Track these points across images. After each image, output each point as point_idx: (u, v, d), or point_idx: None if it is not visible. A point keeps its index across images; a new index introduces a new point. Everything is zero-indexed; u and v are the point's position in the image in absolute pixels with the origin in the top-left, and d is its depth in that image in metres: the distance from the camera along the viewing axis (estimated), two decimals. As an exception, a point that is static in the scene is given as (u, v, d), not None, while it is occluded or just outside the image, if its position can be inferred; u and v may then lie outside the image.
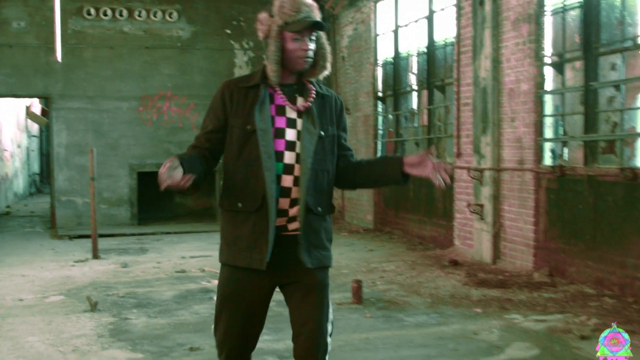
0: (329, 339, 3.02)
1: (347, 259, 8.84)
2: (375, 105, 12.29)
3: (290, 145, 2.91)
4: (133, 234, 11.96)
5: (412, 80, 11.28)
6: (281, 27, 2.87)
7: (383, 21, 12.05)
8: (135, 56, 13.27)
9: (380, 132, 12.30)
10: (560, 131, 7.60)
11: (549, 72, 7.67)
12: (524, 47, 7.80)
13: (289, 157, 2.90)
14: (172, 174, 2.64)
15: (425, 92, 10.73)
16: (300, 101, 2.98)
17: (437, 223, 9.96)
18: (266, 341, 4.99)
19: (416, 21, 10.84)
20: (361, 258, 8.86)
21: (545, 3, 7.62)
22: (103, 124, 13.12)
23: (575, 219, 7.08)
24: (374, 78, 12.22)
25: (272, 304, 3.08)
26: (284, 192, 2.88)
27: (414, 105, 11.28)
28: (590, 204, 6.87)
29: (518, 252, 7.92)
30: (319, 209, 2.97)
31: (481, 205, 8.44)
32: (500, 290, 6.81)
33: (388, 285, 7.20)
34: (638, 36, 6.66)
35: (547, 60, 7.62)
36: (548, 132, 7.68)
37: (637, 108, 6.78)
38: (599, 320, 5.55)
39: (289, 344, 3.09)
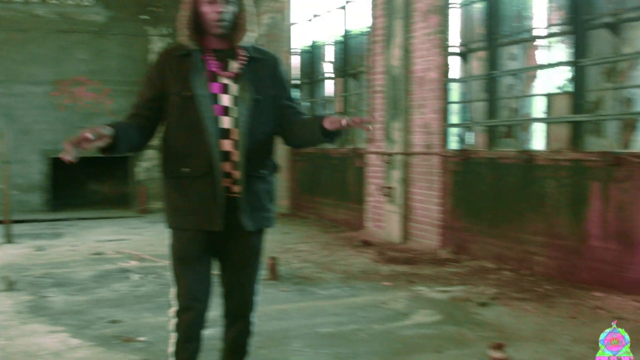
0: (257, 299, 3.26)
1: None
2: (291, 93, 12.51)
3: (226, 110, 2.99)
4: (46, 220, 11.82)
5: (328, 68, 11.60)
6: None
7: (299, 10, 12.29)
8: (49, 40, 13.04)
9: (296, 119, 12.52)
10: (467, 117, 8.06)
11: (457, 62, 8.10)
12: (432, 37, 8.21)
13: (225, 122, 2.98)
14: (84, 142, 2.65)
15: (340, 80, 11.07)
16: (232, 66, 3.05)
17: (350, 207, 10.32)
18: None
19: (329, 11, 11.15)
20: (277, 240, 9.08)
21: (453, -5, 8.06)
22: (15, 108, 12.85)
23: (478, 199, 7.55)
24: (289, 66, 12.46)
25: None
26: (225, 155, 2.97)
27: (330, 93, 11.60)
28: (491, 185, 7.34)
29: (425, 232, 8.35)
30: (260, 171, 3.08)
31: (391, 188, 8.84)
32: (408, 266, 7.21)
33: (303, 264, 7.49)
34: (534, 28, 7.18)
35: (453, 50, 8.05)
36: (454, 118, 8.12)
37: (533, 95, 7.30)
38: (497, 290, 6.01)
39: (211, 315, 3.27)
